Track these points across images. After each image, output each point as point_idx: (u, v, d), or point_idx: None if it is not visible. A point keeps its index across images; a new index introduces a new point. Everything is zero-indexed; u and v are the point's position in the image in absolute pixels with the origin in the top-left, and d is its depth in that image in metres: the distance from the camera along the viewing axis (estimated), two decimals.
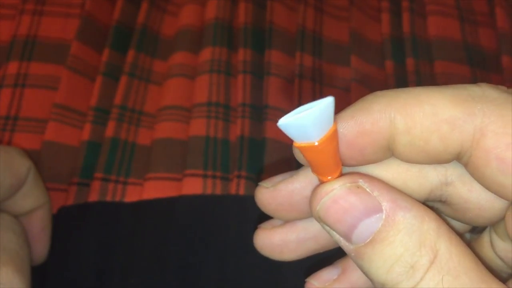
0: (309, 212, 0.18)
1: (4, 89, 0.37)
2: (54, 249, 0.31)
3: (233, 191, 0.34)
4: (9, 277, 0.24)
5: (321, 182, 0.16)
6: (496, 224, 0.18)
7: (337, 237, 0.15)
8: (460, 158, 0.16)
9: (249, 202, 0.34)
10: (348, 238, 0.15)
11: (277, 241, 0.19)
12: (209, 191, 0.34)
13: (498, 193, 0.15)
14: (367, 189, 0.15)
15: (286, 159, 0.36)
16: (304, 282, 0.20)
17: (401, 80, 0.41)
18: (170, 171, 0.35)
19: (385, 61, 0.42)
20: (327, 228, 0.16)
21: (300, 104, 0.38)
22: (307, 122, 0.14)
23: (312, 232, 0.19)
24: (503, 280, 0.17)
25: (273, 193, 0.18)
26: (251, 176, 0.35)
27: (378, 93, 0.16)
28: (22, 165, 0.29)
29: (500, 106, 0.15)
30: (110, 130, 0.36)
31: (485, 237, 0.18)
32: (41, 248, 0.30)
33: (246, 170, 0.35)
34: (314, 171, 0.16)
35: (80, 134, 0.36)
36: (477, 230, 0.20)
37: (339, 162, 0.16)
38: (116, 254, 0.32)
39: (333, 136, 0.15)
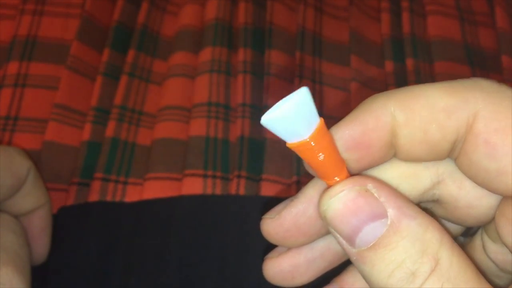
0: (317, 232, 0.19)
1: (4, 89, 0.37)
2: (54, 249, 0.31)
3: (233, 191, 0.34)
4: (9, 277, 0.24)
5: (329, 186, 0.16)
6: (487, 226, 0.18)
7: (341, 239, 0.16)
8: (455, 148, 0.16)
9: (249, 202, 0.34)
10: (351, 241, 0.15)
11: (287, 267, 0.20)
12: (209, 191, 0.34)
13: (484, 181, 0.16)
14: (375, 194, 0.15)
15: (286, 159, 0.36)
16: None
17: (401, 80, 0.41)
18: (170, 171, 0.35)
19: (385, 61, 0.42)
20: (332, 229, 0.16)
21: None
22: (290, 114, 0.14)
23: (318, 250, 0.20)
24: (500, 286, 0.17)
25: (279, 222, 0.19)
26: (251, 176, 0.35)
27: (375, 95, 0.17)
28: (22, 165, 0.29)
29: (491, 94, 0.15)
30: (110, 130, 0.36)
31: (477, 240, 0.19)
32: (41, 248, 0.30)
33: (246, 170, 0.35)
34: (319, 175, 0.16)
35: (80, 134, 0.36)
36: (470, 233, 0.20)
37: (341, 162, 0.16)
38: (116, 254, 0.32)
39: (324, 131, 0.15)
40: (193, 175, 0.34)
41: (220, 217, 0.33)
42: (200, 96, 0.38)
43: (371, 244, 0.15)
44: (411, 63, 0.41)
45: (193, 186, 0.34)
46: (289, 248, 0.20)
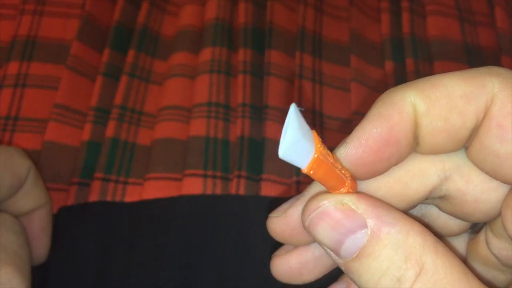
0: None
1: (5, 89, 0.37)
2: (54, 249, 0.31)
3: (233, 191, 0.34)
4: (9, 277, 0.24)
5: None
6: (491, 222, 0.18)
7: (328, 251, 0.16)
8: (471, 136, 0.16)
9: (249, 202, 0.34)
10: (337, 252, 0.16)
11: (295, 264, 0.20)
12: (209, 191, 0.34)
13: (493, 167, 0.16)
14: (353, 206, 0.16)
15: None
16: None
17: (401, 80, 0.41)
18: (170, 171, 0.35)
19: (385, 61, 0.42)
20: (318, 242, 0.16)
21: (300, 105, 0.38)
22: (295, 134, 0.14)
23: None
24: (502, 279, 0.17)
25: (285, 220, 0.19)
26: (251, 176, 0.35)
27: (392, 88, 0.17)
28: (22, 165, 0.29)
29: (507, 79, 0.15)
30: (110, 130, 0.36)
31: (481, 236, 0.19)
32: (41, 248, 0.30)
33: (246, 170, 0.35)
34: (328, 188, 0.17)
35: (81, 134, 0.36)
36: (475, 229, 0.20)
37: (341, 177, 0.16)
38: (116, 254, 0.32)
39: (322, 148, 0.15)
40: (193, 175, 0.34)
41: (220, 217, 0.33)
42: (200, 96, 0.38)
43: (355, 254, 0.15)
44: (411, 63, 0.41)
45: (193, 186, 0.34)
46: (296, 246, 0.20)
